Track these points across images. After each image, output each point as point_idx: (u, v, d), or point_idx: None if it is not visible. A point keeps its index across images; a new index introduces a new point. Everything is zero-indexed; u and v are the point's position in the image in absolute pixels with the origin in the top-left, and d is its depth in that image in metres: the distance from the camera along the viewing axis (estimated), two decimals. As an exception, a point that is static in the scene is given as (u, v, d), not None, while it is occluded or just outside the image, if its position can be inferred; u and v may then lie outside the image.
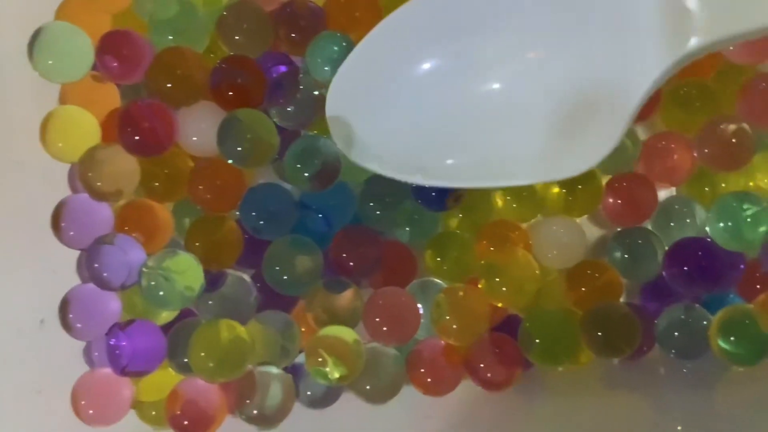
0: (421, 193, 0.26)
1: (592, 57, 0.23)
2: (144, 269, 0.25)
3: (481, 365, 0.25)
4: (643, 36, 0.22)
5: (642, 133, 0.28)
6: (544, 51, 0.24)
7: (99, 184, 0.25)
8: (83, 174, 0.25)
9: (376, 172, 0.25)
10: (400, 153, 0.25)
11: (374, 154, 0.25)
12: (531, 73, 0.24)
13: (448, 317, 0.25)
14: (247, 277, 0.27)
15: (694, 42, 0.21)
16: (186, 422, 0.25)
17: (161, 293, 0.25)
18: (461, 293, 0.26)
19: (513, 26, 0.24)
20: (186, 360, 0.26)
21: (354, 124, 0.25)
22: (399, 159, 0.25)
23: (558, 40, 0.24)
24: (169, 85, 0.25)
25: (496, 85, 0.25)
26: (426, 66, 0.25)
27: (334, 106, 0.25)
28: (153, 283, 0.25)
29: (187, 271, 0.25)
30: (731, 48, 0.26)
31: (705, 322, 0.26)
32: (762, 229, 0.25)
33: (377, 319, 0.25)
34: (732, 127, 0.25)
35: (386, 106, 0.25)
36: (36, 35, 0.25)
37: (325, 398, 0.26)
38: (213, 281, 0.26)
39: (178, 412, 0.25)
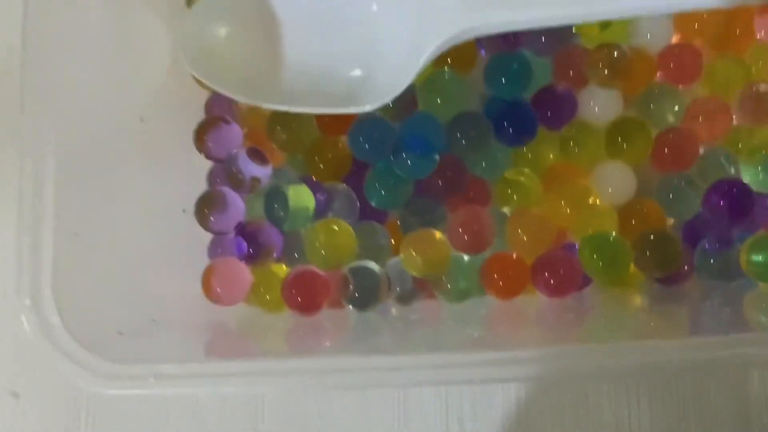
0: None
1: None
2: (268, 187, 0.31)
3: (546, 274, 0.30)
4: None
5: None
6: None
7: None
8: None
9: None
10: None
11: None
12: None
13: (519, 231, 0.30)
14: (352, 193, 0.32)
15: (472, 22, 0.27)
16: (299, 299, 0.30)
17: (281, 213, 0.30)
18: (530, 213, 0.31)
19: None
20: (296, 256, 0.31)
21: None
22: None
23: None
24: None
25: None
26: None
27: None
28: (275, 202, 0.31)
29: (301, 194, 0.31)
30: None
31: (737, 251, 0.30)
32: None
33: (459, 230, 0.31)
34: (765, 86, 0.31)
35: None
36: None
37: (411, 295, 0.31)
38: (322, 204, 0.31)
39: (293, 291, 0.30)
